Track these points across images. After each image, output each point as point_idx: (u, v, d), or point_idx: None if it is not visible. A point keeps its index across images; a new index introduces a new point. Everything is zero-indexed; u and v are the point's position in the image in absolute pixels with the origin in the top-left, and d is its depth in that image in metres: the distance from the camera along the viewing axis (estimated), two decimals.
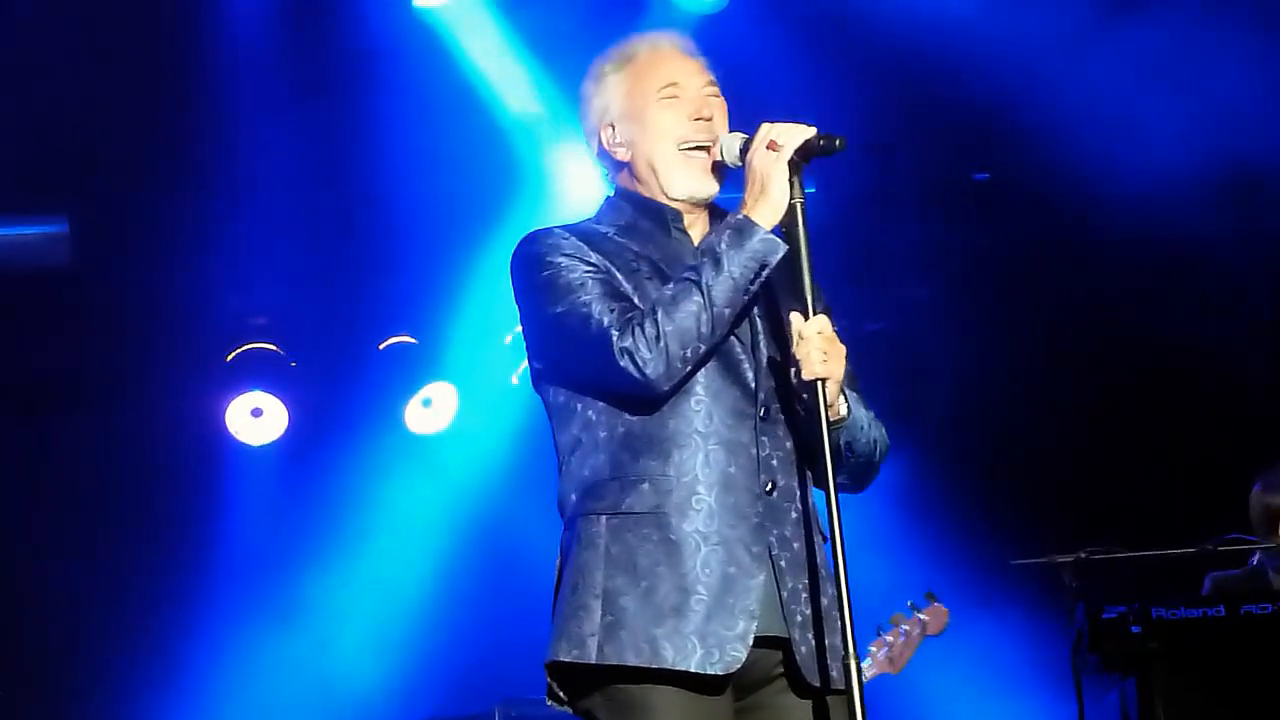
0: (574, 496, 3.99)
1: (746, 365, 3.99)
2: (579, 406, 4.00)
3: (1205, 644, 6.39)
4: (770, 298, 4.05)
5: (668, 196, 4.11)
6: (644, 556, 3.87)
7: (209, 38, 7.93)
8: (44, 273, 8.48)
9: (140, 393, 8.65)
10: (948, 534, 8.42)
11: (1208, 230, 8.32)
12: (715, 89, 4.16)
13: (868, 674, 6.94)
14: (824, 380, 3.87)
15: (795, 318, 3.91)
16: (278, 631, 8.62)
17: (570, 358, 3.98)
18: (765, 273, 3.91)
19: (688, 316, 3.86)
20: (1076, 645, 6.51)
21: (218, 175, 8.18)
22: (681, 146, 4.10)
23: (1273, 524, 7.27)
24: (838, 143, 3.95)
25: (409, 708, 8.47)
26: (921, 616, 7.03)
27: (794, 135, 3.94)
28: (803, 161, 3.95)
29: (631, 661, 3.83)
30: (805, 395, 3.91)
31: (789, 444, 4.00)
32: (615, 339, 3.86)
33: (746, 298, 3.92)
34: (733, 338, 3.97)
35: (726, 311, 3.88)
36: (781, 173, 3.92)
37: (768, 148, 3.93)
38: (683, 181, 4.10)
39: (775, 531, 3.94)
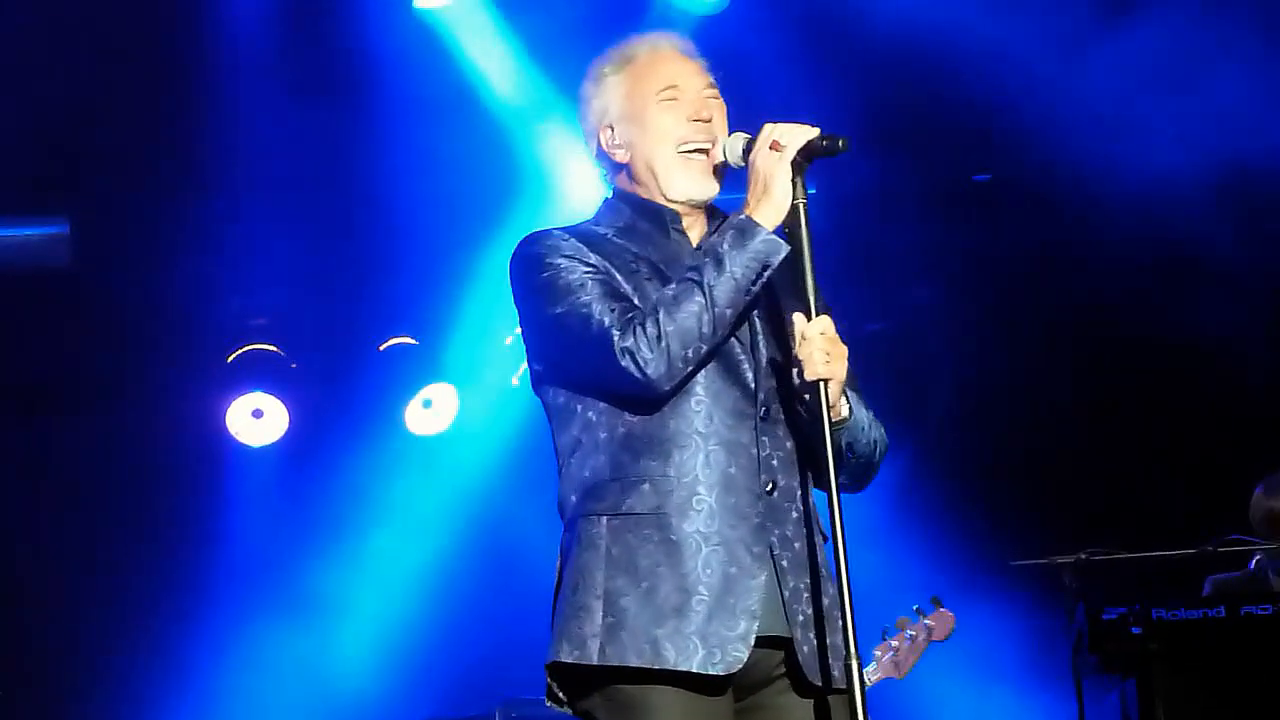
0: (574, 497, 3.99)
1: (746, 366, 3.99)
2: (579, 408, 3.99)
3: (1205, 645, 6.40)
4: (770, 298, 4.04)
5: (666, 198, 4.11)
6: (645, 557, 3.87)
7: (209, 38, 7.92)
8: (45, 273, 8.48)
9: (141, 393, 8.66)
10: (948, 534, 8.42)
11: (1208, 231, 8.31)
12: (715, 90, 4.15)
13: (872, 678, 6.95)
14: (826, 381, 3.87)
15: (798, 318, 3.91)
16: (278, 632, 8.62)
17: (571, 358, 3.98)
18: (767, 273, 3.91)
19: (689, 316, 3.86)
20: (1077, 646, 6.52)
21: (218, 176, 8.18)
22: (681, 148, 4.09)
23: (1274, 527, 7.27)
24: (840, 143, 3.95)
25: (409, 709, 8.46)
26: (927, 622, 7.03)
27: (797, 136, 3.94)
28: (805, 162, 3.94)
29: (633, 662, 3.83)
30: (807, 396, 3.91)
31: (789, 444, 4.00)
32: (616, 339, 3.86)
33: (748, 298, 3.91)
34: (732, 338, 3.97)
35: (728, 312, 3.88)
36: (784, 173, 3.92)
37: (771, 148, 3.93)
38: (682, 183, 4.10)
39: (776, 531, 3.93)
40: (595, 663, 3.85)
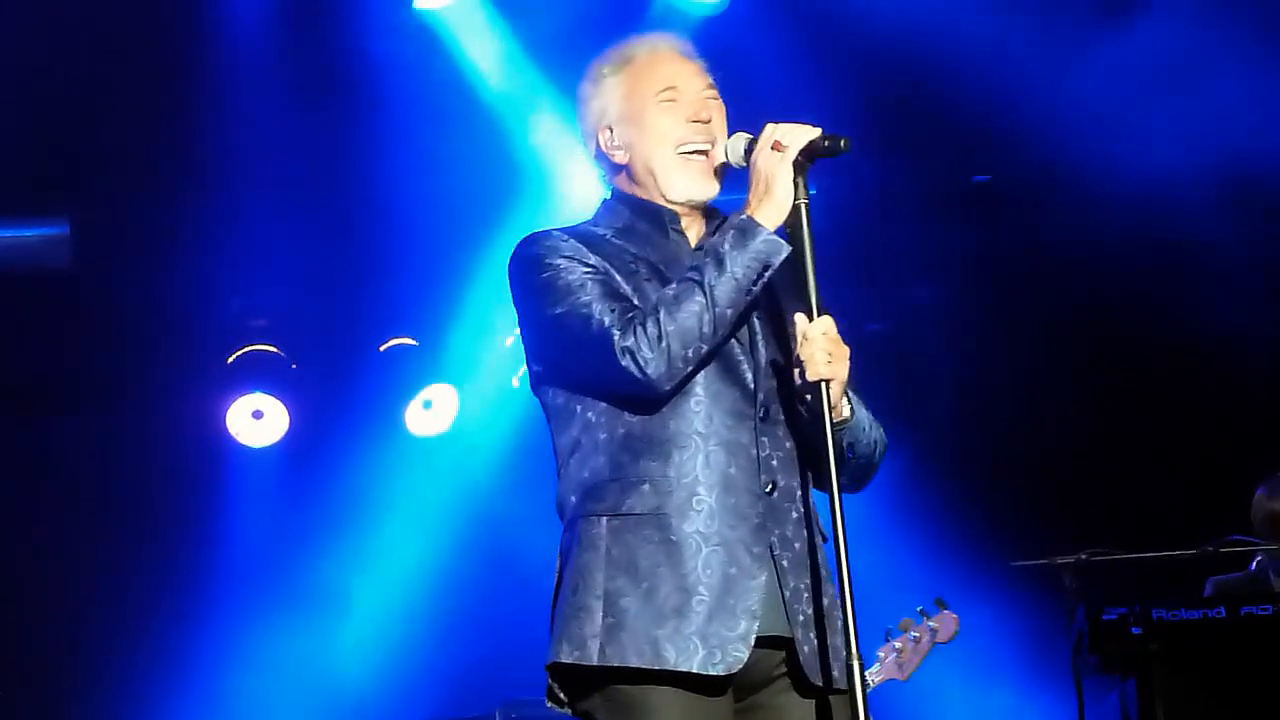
0: (573, 498, 3.98)
1: (745, 366, 3.98)
2: (578, 408, 3.99)
3: (1206, 645, 6.39)
4: (769, 298, 4.04)
5: (666, 199, 4.10)
6: (645, 558, 3.87)
7: (210, 39, 7.92)
8: (45, 275, 8.47)
9: (141, 394, 8.65)
10: (948, 535, 8.42)
11: (1208, 232, 8.31)
12: (714, 91, 4.15)
13: (875, 679, 6.96)
14: (828, 381, 3.87)
15: (800, 318, 3.90)
16: (278, 633, 8.62)
17: (571, 358, 3.97)
18: (768, 273, 3.90)
19: (690, 316, 3.85)
20: (1077, 646, 6.52)
21: (218, 177, 8.17)
22: (680, 149, 4.09)
23: (1276, 528, 7.28)
24: (842, 143, 3.94)
25: (410, 709, 8.47)
26: (931, 623, 7.04)
27: (799, 136, 3.94)
28: (807, 162, 3.94)
29: (633, 663, 3.83)
30: (809, 396, 3.91)
31: (789, 444, 4.00)
32: (617, 339, 3.86)
33: (749, 298, 3.91)
34: (731, 339, 3.96)
35: (729, 312, 3.88)
36: (786, 173, 3.91)
37: (772, 148, 3.93)
38: (682, 184, 4.09)
39: (776, 532, 3.93)
40: (595, 663, 3.84)
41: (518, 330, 4.17)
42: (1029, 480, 8.80)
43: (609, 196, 4.19)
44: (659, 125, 4.09)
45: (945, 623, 7.06)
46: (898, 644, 7.02)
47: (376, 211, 8.42)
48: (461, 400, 8.92)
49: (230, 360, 8.76)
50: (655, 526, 3.88)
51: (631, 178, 4.14)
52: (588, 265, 3.96)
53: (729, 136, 4.10)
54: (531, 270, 4.01)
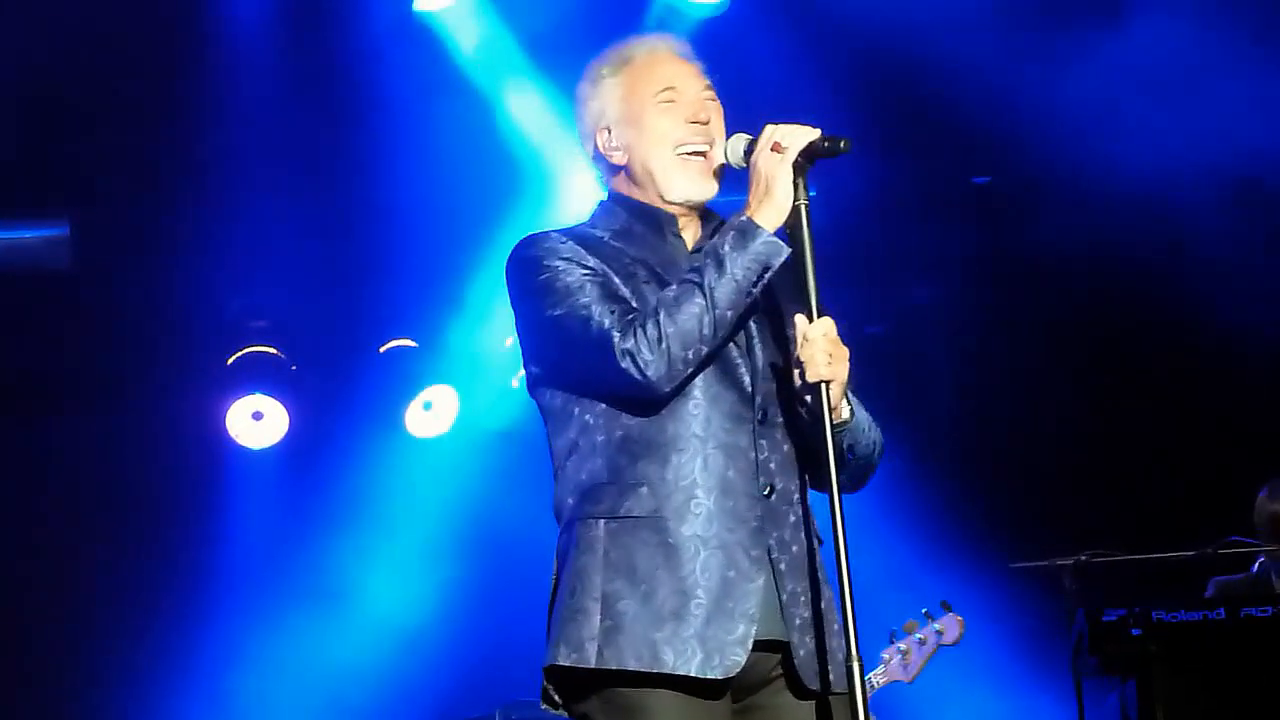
0: (571, 500, 3.98)
1: (743, 369, 3.98)
2: (576, 410, 3.99)
3: (1205, 647, 6.39)
4: (767, 300, 4.04)
5: (664, 200, 4.10)
6: (643, 560, 3.86)
7: (210, 40, 7.92)
8: (45, 276, 8.47)
9: (141, 395, 8.65)
10: (948, 537, 8.42)
11: (1208, 231, 8.31)
12: (712, 93, 4.15)
13: (880, 681, 6.97)
14: (828, 382, 3.87)
15: (800, 319, 3.90)
16: (279, 634, 8.61)
17: (570, 359, 3.96)
18: (768, 275, 3.90)
19: (690, 318, 3.85)
20: (1077, 648, 6.52)
21: (218, 177, 8.17)
22: (679, 150, 4.08)
23: (1278, 530, 7.28)
24: (842, 144, 3.94)
25: (410, 710, 8.47)
26: (936, 626, 7.05)
27: (799, 137, 3.93)
28: (807, 163, 3.94)
29: (631, 665, 3.82)
30: (809, 397, 3.91)
31: (786, 447, 4.00)
32: (617, 340, 3.85)
33: (749, 299, 3.90)
34: (729, 341, 3.96)
35: (729, 313, 3.88)
36: (786, 174, 3.91)
37: (772, 149, 3.93)
38: (681, 184, 4.09)
39: (774, 534, 3.93)
40: (593, 666, 3.84)
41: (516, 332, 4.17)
42: (1029, 481, 8.80)
43: (606, 199, 4.19)
44: (658, 126, 4.08)
45: (951, 625, 7.07)
46: (902, 646, 7.03)
47: (376, 212, 8.42)
48: (462, 401, 8.92)
49: (230, 361, 8.75)
50: (653, 529, 3.88)
51: (630, 179, 4.13)
52: (586, 267, 3.96)
53: (728, 137, 4.10)
54: (530, 272, 4.00)
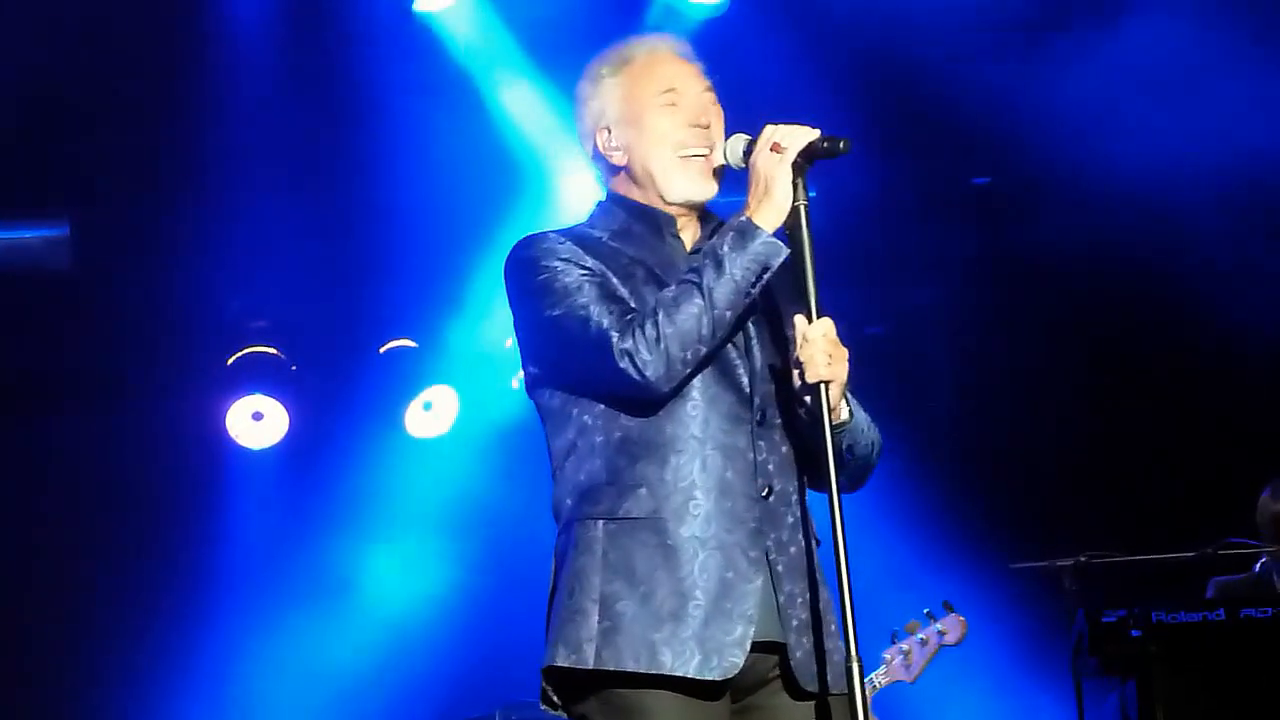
0: (569, 501, 3.97)
1: (741, 370, 3.98)
2: (575, 411, 3.98)
3: (1205, 647, 6.39)
4: (765, 301, 4.04)
5: (664, 201, 4.10)
6: (642, 562, 3.86)
7: (210, 42, 7.92)
8: (45, 276, 8.47)
9: (141, 396, 8.65)
10: (948, 537, 8.42)
11: (1208, 231, 8.31)
12: (713, 95, 4.15)
13: (882, 681, 6.97)
14: (828, 383, 3.87)
15: (799, 320, 3.90)
16: (278, 635, 8.61)
17: (569, 359, 3.96)
18: (767, 275, 3.90)
19: (688, 318, 3.85)
20: (1076, 648, 6.52)
21: (218, 178, 8.17)
22: (680, 153, 4.08)
23: None
24: (842, 145, 3.94)
25: (410, 711, 8.47)
26: (938, 626, 7.06)
27: (798, 137, 3.93)
28: (806, 164, 3.93)
29: (629, 667, 3.82)
30: (808, 398, 3.91)
31: (785, 448, 4.00)
32: (615, 340, 3.85)
33: (747, 300, 3.90)
34: (727, 343, 3.96)
35: (728, 313, 3.87)
36: (785, 175, 3.91)
37: (772, 149, 3.92)
38: (681, 185, 4.09)
39: (772, 536, 3.93)
40: (591, 667, 3.84)
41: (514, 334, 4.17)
42: (1029, 481, 8.80)
43: (604, 199, 4.19)
44: (659, 127, 4.08)
45: (953, 626, 7.07)
46: (904, 646, 7.03)
47: (376, 213, 8.42)
48: (461, 402, 8.92)
49: (230, 362, 8.75)
50: (652, 530, 3.88)
51: (629, 179, 4.13)
52: (584, 268, 3.96)
53: (727, 137, 4.09)
54: (528, 272, 4.00)
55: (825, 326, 3.88)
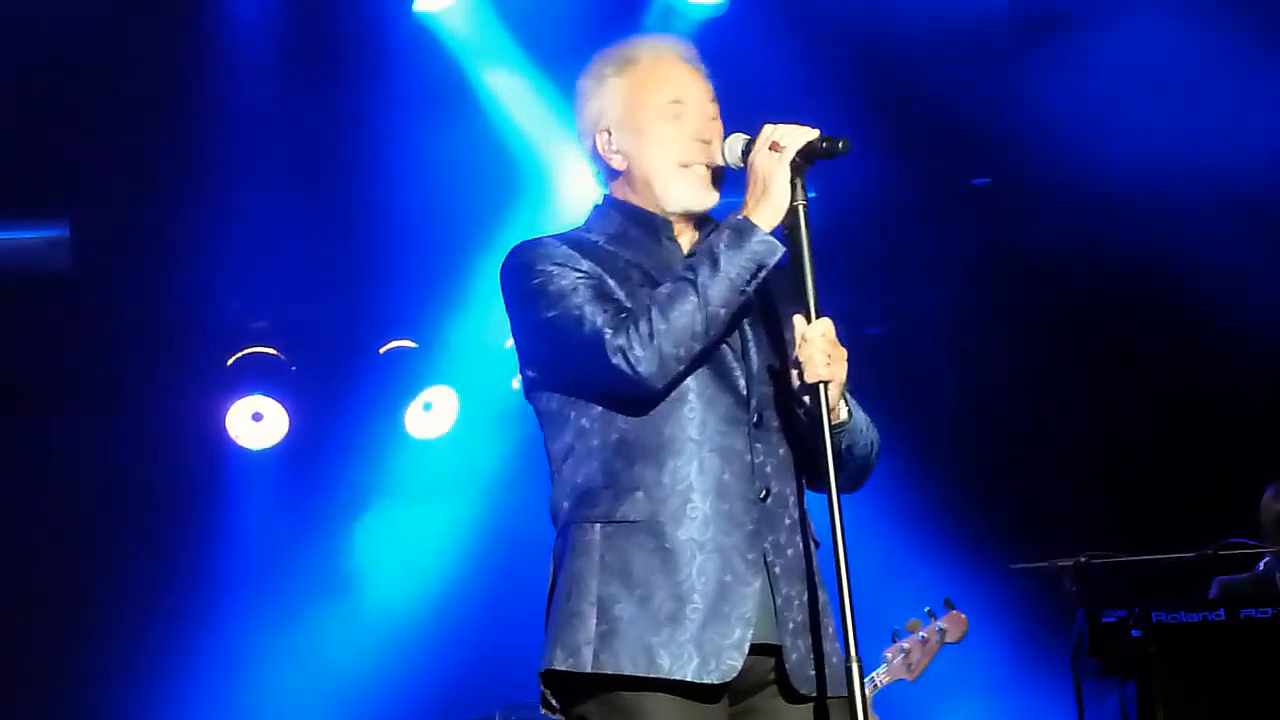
0: (567, 504, 3.98)
1: (738, 372, 3.98)
2: (572, 414, 3.99)
3: (1205, 648, 6.39)
4: (763, 303, 4.04)
5: (663, 209, 4.10)
6: (639, 564, 3.86)
7: (210, 41, 7.92)
8: (45, 277, 8.47)
9: (141, 396, 8.64)
10: (948, 538, 8.42)
11: (1208, 231, 8.31)
12: (715, 107, 4.13)
13: (883, 680, 6.97)
14: (827, 383, 3.86)
15: (798, 320, 3.90)
16: (278, 635, 8.61)
17: (565, 358, 3.96)
18: (762, 274, 3.89)
19: (682, 315, 3.84)
20: (1076, 649, 6.51)
21: (218, 178, 8.16)
22: (680, 165, 4.08)
23: None
24: (841, 145, 3.93)
25: (410, 711, 8.47)
26: (940, 624, 7.06)
27: (797, 137, 3.93)
28: (805, 164, 3.93)
29: (628, 670, 3.82)
30: (807, 398, 3.90)
31: (782, 450, 4.00)
32: (609, 337, 3.85)
33: (742, 298, 3.90)
34: (723, 344, 3.96)
35: (722, 311, 3.87)
36: (783, 174, 3.90)
37: (770, 149, 3.92)
38: (681, 194, 4.09)
39: (770, 538, 3.93)
40: (589, 670, 3.84)
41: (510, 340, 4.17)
42: (1029, 481, 8.80)
43: (601, 202, 4.18)
44: (662, 138, 4.08)
45: (954, 623, 7.08)
46: (905, 644, 7.03)
47: (376, 213, 8.41)
48: (461, 402, 8.91)
49: (230, 362, 8.75)
50: (650, 533, 3.87)
51: (628, 184, 4.13)
52: (579, 271, 3.96)
53: (726, 137, 4.09)
54: (523, 277, 4.00)
55: (824, 326, 3.88)
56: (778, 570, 3.91)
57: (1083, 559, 6.78)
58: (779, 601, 3.91)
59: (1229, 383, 8.63)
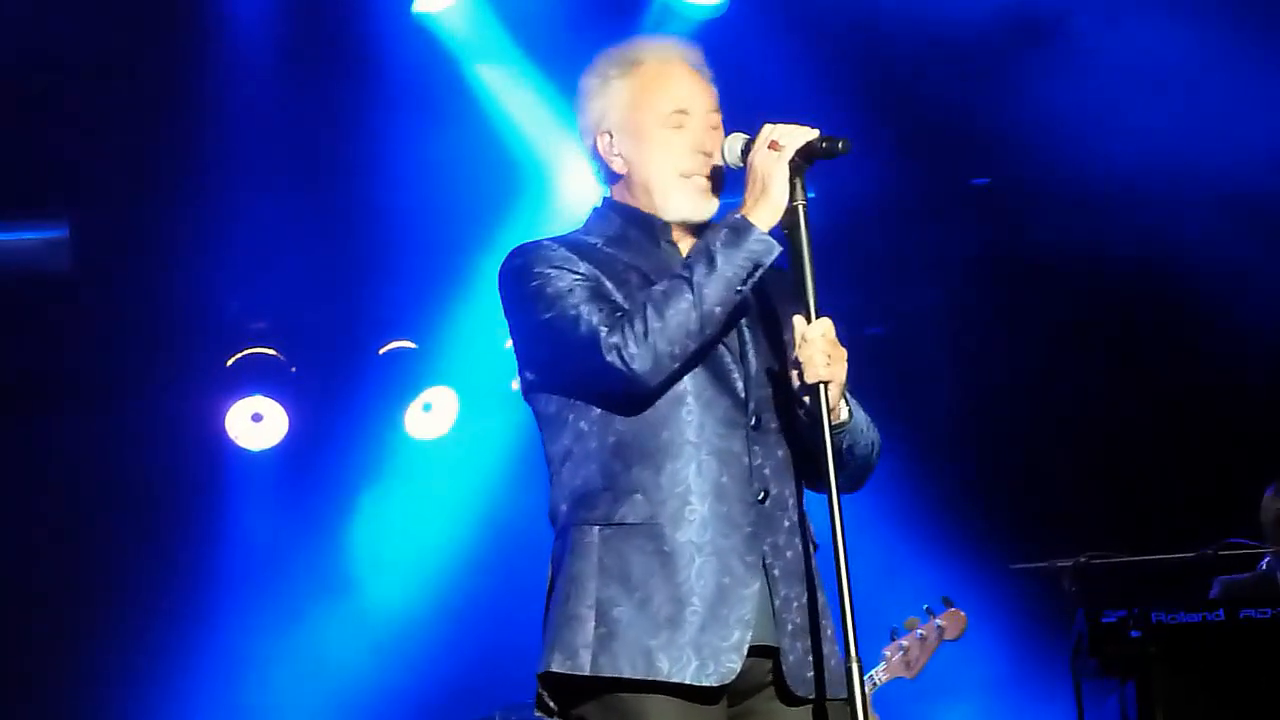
0: (565, 506, 3.97)
1: (736, 374, 3.97)
2: (570, 416, 3.99)
3: (1205, 648, 6.39)
4: (761, 304, 4.04)
5: (662, 217, 4.09)
6: (638, 567, 3.86)
7: (210, 42, 7.91)
8: (45, 278, 8.46)
9: (141, 397, 8.64)
10: (948, 538, 8.41)
11: (1209, 231, 8.31)
12: (719, 116, 4.13)
13: (883, 678, 6.97)
14: (827, 383, 3.86)
15: (798, 320, 3.89)
16: (278, 636, 8.61)
17: (562, 358, 3.96)
18: (759, 273, 3.89)
19: (677, 313, 3.84)
20: (1076, 649, 6.51)
21: (218, 179, 8.16)
22: (682, 175, 4.08)
23: None
24: (841, 145, 3.93)
25: (410, 711, 8.47)
26: (938, 621, 7.05)
27: (796, 136, 3.92)
28: (805, 164, 3.93)
29: (626, 673, 3.82)
30: (807, 399, 3.90)
31: (780, 452, 3.99)
32: (604, 335, 3.85)
33: (738, 297, 3.89)
34: (721, 346, 3.96)
35: (717, 310, 3.86)
36: (782, 174, 3.90)
37: (769, 148, 3.92)
38: (680, 204, 4.08)
39: (768, 540, 3.93)
40: (588, 673, 3.84)
41: (509, 342, 4.16)
42: (1029, 481, 8.80)
43: (601, 204, 4.18)
44: (663, 148, 4.07)
45: (953, 620, 7.07)
46: (905, 642, 7.03)
47: (376, 214, 8.41)
48: (461, 403, 8.91)
49: (230, 363, 8.75)
50: (648, 536, 3.87)
51: (627, 188, 4.13)
52: (577, 273, 3.96)
53: (725, 136, 4.09)
54: (521, 279, 4.00)
55: (824, 326, 3.88)
56: (776, 572, 3.91)
57: (1082, 559, 6.77)
58: (778, 603, 3.90)
59: (1229, 383, 8.63)
